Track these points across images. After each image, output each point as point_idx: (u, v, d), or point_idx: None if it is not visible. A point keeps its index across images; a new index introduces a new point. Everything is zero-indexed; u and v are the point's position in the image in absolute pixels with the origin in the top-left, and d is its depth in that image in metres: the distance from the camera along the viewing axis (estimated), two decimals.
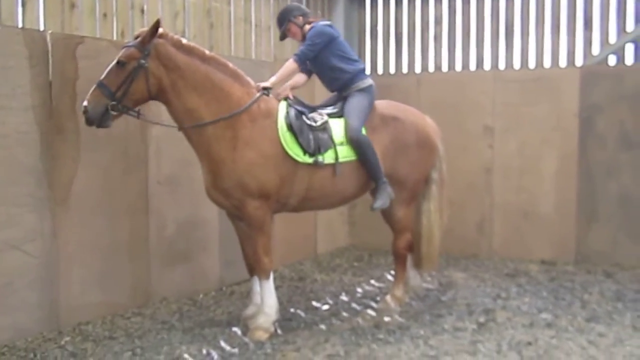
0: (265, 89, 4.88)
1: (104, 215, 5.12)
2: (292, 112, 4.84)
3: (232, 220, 5.14)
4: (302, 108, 4.97)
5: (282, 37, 5.42)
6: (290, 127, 4.78)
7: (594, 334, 4.80)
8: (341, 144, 5.00)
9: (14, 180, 4.51)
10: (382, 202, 5.13)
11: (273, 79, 4.97)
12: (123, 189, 5.28)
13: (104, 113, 4.40)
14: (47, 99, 4.71)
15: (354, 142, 5.00)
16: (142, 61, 4.47)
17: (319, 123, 4.88)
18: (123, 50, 4.51)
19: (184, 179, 5.73)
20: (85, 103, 4.40)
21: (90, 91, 4.42)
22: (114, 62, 4.47)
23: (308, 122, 4.86)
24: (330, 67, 5.26)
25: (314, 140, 4.81)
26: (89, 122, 4.44)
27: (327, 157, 4.90)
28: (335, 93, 5.42)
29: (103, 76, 4.46)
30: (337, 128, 5.04)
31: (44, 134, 4.69)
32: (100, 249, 5.11)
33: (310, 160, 4.81)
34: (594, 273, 6.70)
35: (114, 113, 4.44)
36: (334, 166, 4.97)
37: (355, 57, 5.38)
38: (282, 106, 4.92)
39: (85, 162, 4.96)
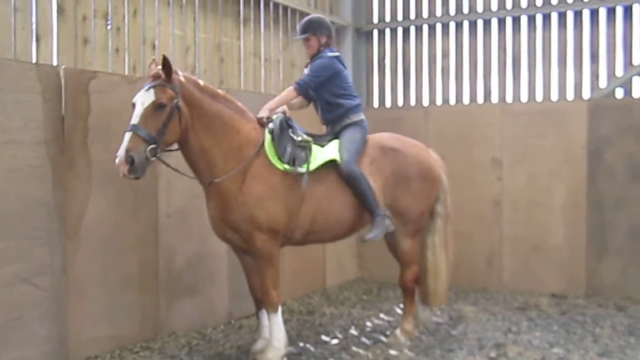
0: (268, 119, 4.89)
1: (113, 249, 5.14)
2: (278, 121, 4.84)
3: (238, 254, 5.15)
4: (292, 123, 4.95)
5: (299, 37, 5.38)
6: (271, 132, 4.80)
7: None
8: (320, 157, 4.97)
9: (25, 214, 4.53)
10: (373, 234, 5.08)
11: (270, 104, 4.99)
12: (133, 223, 5.30)
13: (145, 160, 4.27)
14: (59, 133, 4.76)
15: (346, 174, 4.99)
16: (176, 101, 4.43)
17: (300, 139, 4.85)
18: (151, 90, 4.35)
19: (193, 212, 5.74)
20: (125, 152, 4.17)
21: (127, 139, 4.21)
22: (150, 104, 4.31)
23: (291, 134, 4.85)
24: (327, 101, 5.31)
25: (290, 153, 4.78)
26: (135, 171, 4.22)
27: (304, 168, 4.84)
28: (328, 127, 5.44)
29: (137, 120, 4.27)
30: (318, 153, 5.00)
31: (55, 168, 4.72)
32: (110, 283, 5.12)
33: (290, 169, 4.77)
34: (605, 307, 6.64)
35: (153, 159, 4.29)
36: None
37: (354, 92, 5.40)
38: (273, 117, 4.91)
39: (96, 196, 5.00)
